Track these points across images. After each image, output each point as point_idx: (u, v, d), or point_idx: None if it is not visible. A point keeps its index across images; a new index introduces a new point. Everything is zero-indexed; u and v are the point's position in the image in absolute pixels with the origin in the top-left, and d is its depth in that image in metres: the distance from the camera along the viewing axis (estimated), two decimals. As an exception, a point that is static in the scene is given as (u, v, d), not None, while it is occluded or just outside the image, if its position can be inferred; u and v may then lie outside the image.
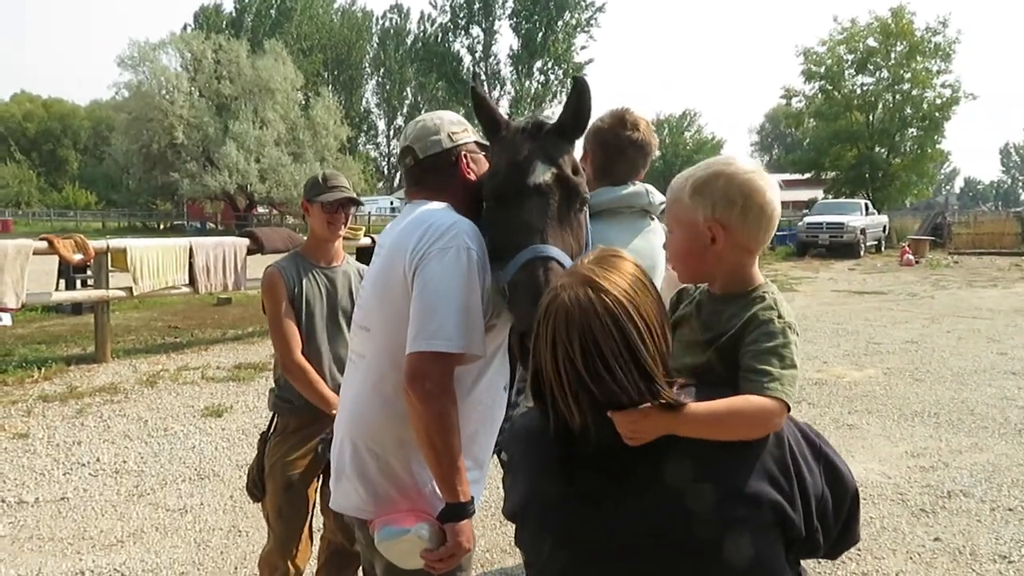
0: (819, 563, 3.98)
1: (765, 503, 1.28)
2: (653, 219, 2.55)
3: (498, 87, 69.13)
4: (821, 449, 1.42)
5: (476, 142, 2.11)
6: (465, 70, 70.31)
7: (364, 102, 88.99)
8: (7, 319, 10.62)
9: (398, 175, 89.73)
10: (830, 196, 35.77)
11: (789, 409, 1.40)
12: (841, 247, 25.75)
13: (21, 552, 4.05)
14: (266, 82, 45.21)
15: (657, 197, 2.47)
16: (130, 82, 43.51)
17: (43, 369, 7.72)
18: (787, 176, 40.71)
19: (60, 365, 7.97)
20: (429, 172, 2.06)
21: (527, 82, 66.87)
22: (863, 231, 26.43)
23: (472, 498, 1.86)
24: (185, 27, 65.61)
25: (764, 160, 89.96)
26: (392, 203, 66.85)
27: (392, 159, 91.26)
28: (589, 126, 2.34)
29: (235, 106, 43.94)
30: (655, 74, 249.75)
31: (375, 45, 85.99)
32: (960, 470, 5.39)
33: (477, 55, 69.29)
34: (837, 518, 1.40)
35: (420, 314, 1.78)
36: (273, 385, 3.04)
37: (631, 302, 1.29)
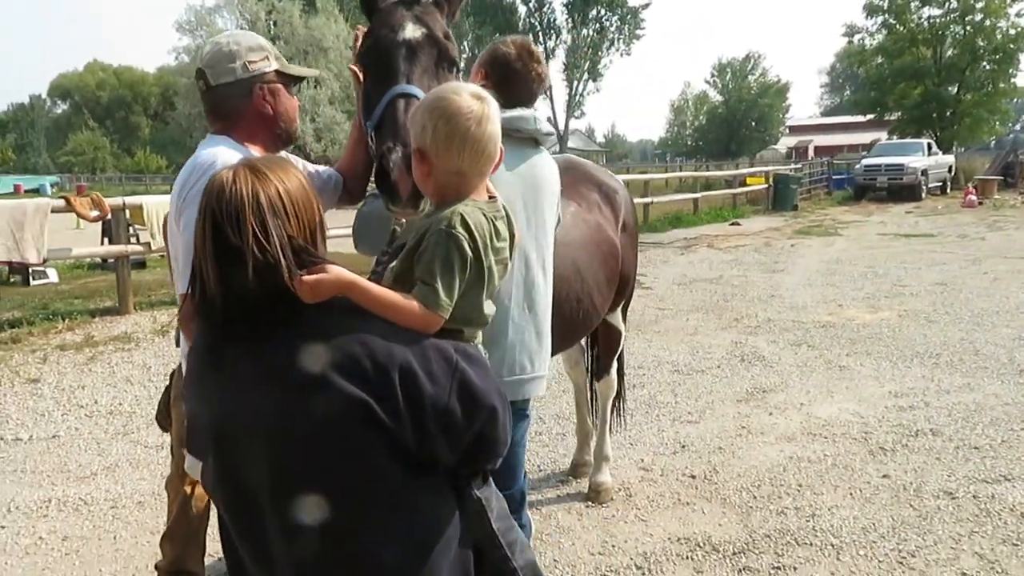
0: (756, 498, 3.98)
1: (342, 396, 1.35)
2: (542, 148, 2.55)
3: (553, 36, 67.98)
4: (457, 365, 1.46)
5: (278, 71, 2.09)
6: (520, 21, 69.30)
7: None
8: (53, 276, 11.20)
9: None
10: (894, 137, 34.18)
11: (443, 316, 1.46)
12: (900, 190, 24.71)
13: (1, 484, 4.37)
14: (319, 41, 45.50)
15: (545, 126, 2.49)
16: (188, 46, 44.40)
17: (67, 320, 8.15)
18: (847, 118, 39.06)
19: (85, 317, 8.39)
20: (222, 101, 2.06)
21: (583, 30, 65.51)
22: (924, 172, 25.27)
23: None
24: (242, -12, 66.29)
25: (834, 103, 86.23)
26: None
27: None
28: (492, 48, 2.42)
29: (289, 66, 44.47)
30: (716, 16, 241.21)
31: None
32: (940, 409, 5.25)
33: (531, 5, 68.17)
34: (466, 430, 1.46)
35: (183, 257, 1.86)
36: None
37: (280, 191, 1.40)
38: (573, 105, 69.58)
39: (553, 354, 3.93)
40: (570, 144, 72.21)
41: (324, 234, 1.48)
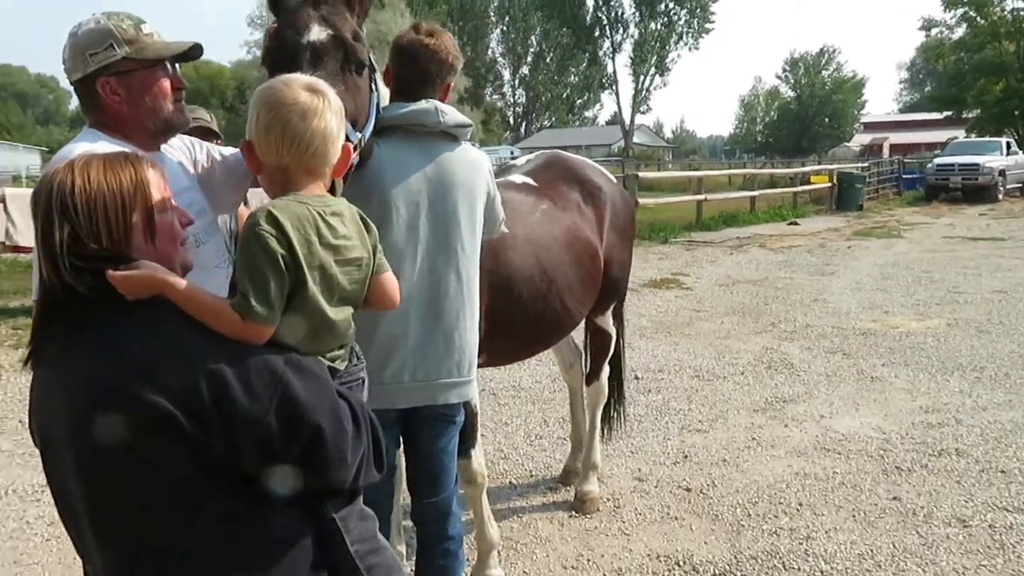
0: (751, 516, 3.77)
1: (143, 406, 1.26)
2: (460, 141, 2.40)
3: (620, 30, 67.25)
4: (282, 378, 1.36)
5: (127, 57, 1.87)
6: (588, 15, 68.79)
7: (490, 52, 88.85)
8: None
9: (524, 125, 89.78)
10: (973, 135, 32.55)
11: (265, 324, 1.36)
12: (975, 191, 23.49)
13: (8, 468, 4.47)
14: (385, 35, 45.95)
15: (452, 118, 2.31)
16: (259, 40, 45.43)
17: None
18: (925, 116, 37.41)
19: None
20: (81, 99, 1.94)
21: (650, 24, 64.58)
22: (1002, 173, 23.98)
23: None
24: (315, -16, 67.67)
25: (913, 99, 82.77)
26: (512, 152, 67.05)
27: (518, 108, 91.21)
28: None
29: (355, 60, 45.20)
30: (788, 9, 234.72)
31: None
32: (971, 428, 4.90)
33: (599, -1, 67.58)
34: (288, 446, 1.36)
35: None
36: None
37: (84, 189, 1.33)
38: (639, 100, 68.73)
39: (524, 357, 3.84)
40: (635, 140, 71.36)
41: (155, 233, 1.38)
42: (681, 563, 3.39)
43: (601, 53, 71.26)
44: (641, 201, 16.17)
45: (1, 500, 4.06)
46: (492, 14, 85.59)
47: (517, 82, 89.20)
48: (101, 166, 1.35)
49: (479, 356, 3.01)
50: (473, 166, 2.35)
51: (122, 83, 1.88)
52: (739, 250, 13.78)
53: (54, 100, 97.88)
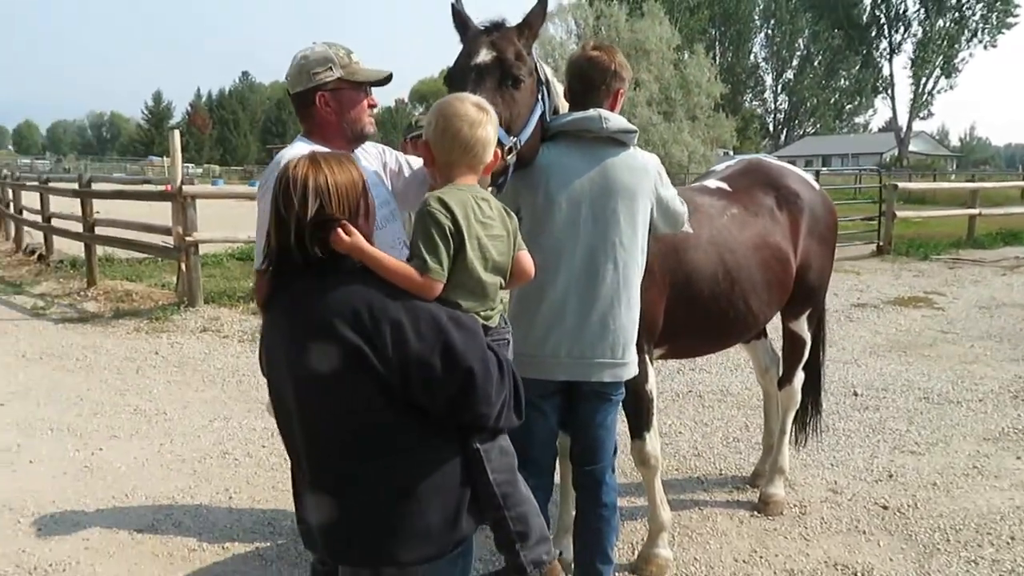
0: (950, 541, 3.60)
1: (342, 340, 1.68)
2: (627, 146, 2.62)
3: (901, 29, 61.80)
4: (443, 328, 1.73)
5: (341, 78, 2.39)
6: (864, 13, 64.07)
7: (752, 56, 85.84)
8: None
9: (784, 132, 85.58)
10: None
11: (437, 280, 1.80)
12: None
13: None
14: (642, 43, 46.17)
15: (616, 123, 2.56)
16: (522, 52, 47.85)
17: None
18: None
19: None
20: (297, 107, 2.48)
21: (937, 21, 58.65)
22: None
23: None
24: (580, -4, 69.43)
25: None
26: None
27: (779, 115, 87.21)
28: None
29: (612, 69, 45.76)
30: None
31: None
32: None
33: (878, -5, 62.61)
34: (445, 384, 1.73)
35: (257, 235, 2.31)
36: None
37: (328, 180, 1.76)
38: (919, 105, 62.73)
39: (708, 352, 3.99)
40: (912, 147, 65.28)
41: (368, 215, 1.83)
42: (859, 575, 3.35)
43: (876, 54, 65.92)
44: (901, 215, 15.02)
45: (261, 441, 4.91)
46: (756, 17, 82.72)
47: (779, 87, 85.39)
48: (337, 161, 1.82)
49: (659, 347, 3.26)
50: (637, 170, 2.59)
51: (334, 98, 2.43)
52: (1014, 271, 12.31)
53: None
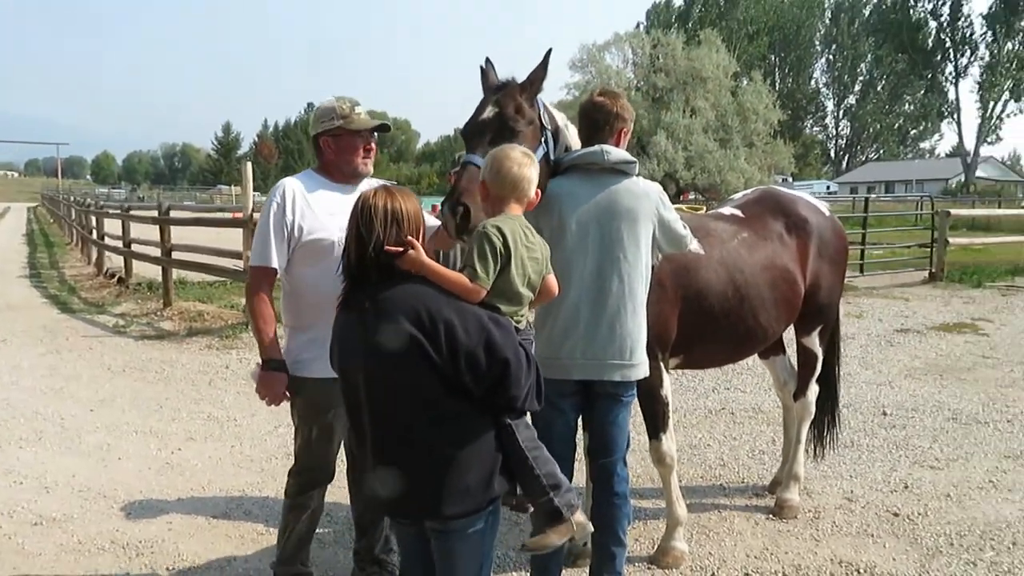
0: (953, 545, 3.83)
1: (405, 332, 2.11)
2: (629, 175, 3.02)
3: (967, 52, 60.58)
4: (486, 327, 2.16)
5: (339, 126, 2.95)
6: (929, 37, 63.08)
7: (812, 82, 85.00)
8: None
9: (847, 158, 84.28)
10: None
11: (483, 287, 2.24)
12: None
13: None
14: (699, 71, 46.35)
15: (616, 156, 2.98)
16: (579, 82, 48.45)
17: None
18: None
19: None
20: (313, 147, 3.07)
21: (1006, 44, 57.36)
22: None
23: (271, 358, 2.94)
24: (638, 25, 70.10)
25: None
26: (828, 187, 63.66)
27: (840, 141, 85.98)
28: None
29: (668, 97, 46.01)
30: None
31: (827, 22, 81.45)
32: None
33: (943, 19, 61.61)
34: (486, 373, 2.14)
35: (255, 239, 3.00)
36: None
37: (401, 207, 2.23)
38: (987, 129, 61.27)
39: (723, 363, 4.34)
40: (980, 173, 63.67)
41: (424, 235, 2.30)
42: (861, 571, 3.62)
43: (942, 78, 64.65)
44: (956, 241, 14.97)
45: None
46: (817, 43, 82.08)
47: (841, 113, 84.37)
48: (404, 193, 2.29)
49: (676, 357, 3.64)
50: (639, 195, 2.98)
51: (335, 142, 3.01)
52: (1071, 298, 12.18)
53: (405, 140, 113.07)
